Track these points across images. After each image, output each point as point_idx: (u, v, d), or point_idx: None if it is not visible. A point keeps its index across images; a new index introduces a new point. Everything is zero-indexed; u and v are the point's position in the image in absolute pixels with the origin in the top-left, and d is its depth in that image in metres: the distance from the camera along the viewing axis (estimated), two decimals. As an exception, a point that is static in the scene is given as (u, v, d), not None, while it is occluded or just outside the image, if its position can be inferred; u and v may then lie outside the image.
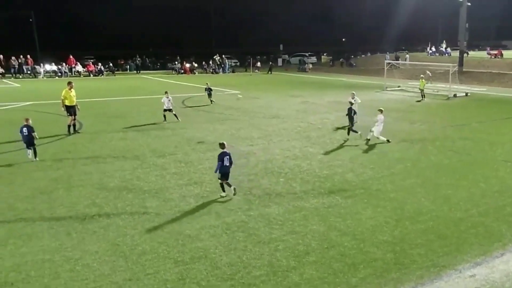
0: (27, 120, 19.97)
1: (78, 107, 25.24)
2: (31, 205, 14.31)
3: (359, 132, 23.60)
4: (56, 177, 17.12)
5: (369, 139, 22.53)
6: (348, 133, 24.08)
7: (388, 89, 48.46)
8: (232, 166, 15.52)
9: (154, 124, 27.58)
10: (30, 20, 65.74)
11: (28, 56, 62.31)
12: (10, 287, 9.73)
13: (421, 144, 22.70)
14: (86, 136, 24.13)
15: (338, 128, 26.36)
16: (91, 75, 63.29)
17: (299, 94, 43.82)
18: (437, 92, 44.89)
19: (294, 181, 16.85)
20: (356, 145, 22.27)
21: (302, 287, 9.77)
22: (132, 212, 13.75)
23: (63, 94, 24.81)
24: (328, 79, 62.48)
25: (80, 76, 62.39)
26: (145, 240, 11.88)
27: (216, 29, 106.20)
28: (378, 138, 22.60)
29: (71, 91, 24.87)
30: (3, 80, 55.90)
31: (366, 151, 21.31)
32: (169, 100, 28.64)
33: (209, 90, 36.43)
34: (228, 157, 15.20)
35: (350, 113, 23.88)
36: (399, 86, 49.45)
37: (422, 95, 40.29)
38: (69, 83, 25.45)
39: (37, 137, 19.90)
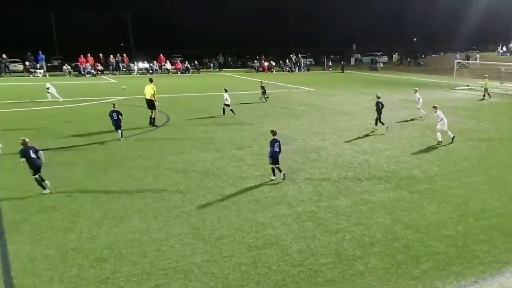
0: (114, 105, 22.31)
1: (156, 102, 25.81)
2: (124, 190, 14.85)
3: (386, 125, 24.32)
4: (146, 165, 17.66)
5: (441, 141, 21.75)
6: (376, 124, 24.65)
7: (457, 88, 46.96)
8: (281, 152, 15.99)
9: (232, 118, 27.88)
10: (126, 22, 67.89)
11: (124, 55, 64.22)
12: (104, 262, 10.17)
13: (488, 142, 21.93)
14: (172, 129, 24.71)
15: (406, 120, 25.88)
16: (178, 72, 64.58)
17: (370, 92, 43.14)
18: (506, 91, 43.13)
19: (362, 175, 16.69)
20: (423, 143, 21.75)
21: (366, 276, 9.72)
22: (212, 200, 14.03)
23: (154, 89, 25.46)
24: (398, 78, 61.17)
25: (168, 73, 63.83)
26: (223, 226, 12.11)
27: (294, 29, 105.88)
28: (447, 132, 21.96)
29: (148, 87, 25.50)
30: (102, 76, 57.98)
31: (433, 148, 20.78)
32: (227, 97, 29.08)
33: (263, 89, 36.19)
34: (278, 143, 15.77)
35: (378, 107, 24.42)
36: (468, 86, 47.78)
37: (486, 94, 38.80)
38: (151, 79, 26.12)
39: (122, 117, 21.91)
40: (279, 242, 11.18)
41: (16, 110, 30.21)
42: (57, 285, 9.31)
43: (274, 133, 16.22)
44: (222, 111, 29.13)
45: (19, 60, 60.15)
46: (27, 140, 14.90)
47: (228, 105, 29.07)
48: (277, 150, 15.82)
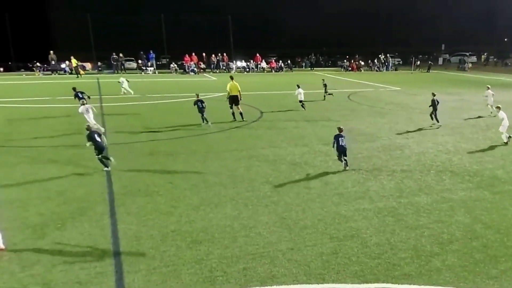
0: (197, 95, 24.36)
1: (241, 98, 26.05)
2: (219, 179, 15.27)
3: (439, 123, 24.57)
4: (240, 157, 18.03)
5: (507, 142, 20.65)
6: (432, 119, 24.88)
7: (546, 89, 44.12)
8: (346, 146, 16.38)
9: (321, 115, 27.77)
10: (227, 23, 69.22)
11: (225, 54, 65.50)
12: (199, 244, 10.56)
13: None
14: (265, 124, 24.99)
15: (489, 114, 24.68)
16: (272, 71, 65.01)
17: (456, 91, 41.46)
18: None
19: (444, 174, 16.16)
20: (510, 143, 20.66)
21: (443, 272, 9.46)
22: (298, 192, 14.13)
23: (228, 86, 25.74)
24: (486, 78, 58.20)
25: (263, 72, 64.43)
26: (307, 217, 12.19)
27: (384, 30, 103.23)
28: (502, 133, 20.87)
29: (232, 84, 25.79)
30: (204, 74, 59.49)
31: (517, 150, 19.75)
32: (300, 93, 29.34)
33: (325, 86, 35.40)
34: (342, 138, 16.22)
35: (434, 104, 24.84)
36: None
37: None
38: (231, 77, 26.43)
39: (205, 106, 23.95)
40: (359, 235, 11.11)
41: (126, 104, 31.65)
42: (158, 262, 9.78)
43: (340, 129, 16.63)
44: (302, 107, 29.27)
45: (133, 58, 62.94)
46: (91, 125, 17.22)
47: (301, 101, 29.26)
48: (343, 144, 16.20)
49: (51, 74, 54.55)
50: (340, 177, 15.57)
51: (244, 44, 72.94)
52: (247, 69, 64.55)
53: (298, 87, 29.70)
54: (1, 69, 58.58)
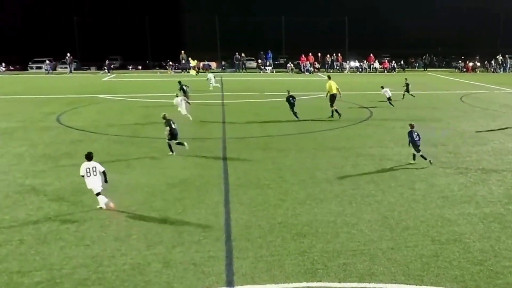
0: (289, 92, 24.96)
1: (341, 95, 25.84)
2: (326, 176, 15.20)
3: None
4: (347, 155, 17.78)
5: None
6: None
7: None
8: (420, 141, 16.21)
9: (431, 115, 26.53)
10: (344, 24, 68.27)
11: (339, 54, 64.69)
12: (303, 237, 10.63)
13: None
14: (375, 123, 24.41)
15: None
16: (385, 71, 63.15)
17: None
18: None
19: (558, 182, 14.81)
20: None
21: (549, 284, 8.73)
22: (402, 192, 13.69)
23: (328, 85, 25.70)
24: None
25: (376, 72, 62.77)
26: (410, 217, 11.79)
27: (503, 30, 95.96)
28: None
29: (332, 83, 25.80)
30: (318, 74, 59.20)
31: None
32: (386, 91, 29.44)
33: (407, 86, 33.21)
34: (416, 134, 16.16)
35: None
36: None
37: None
38: (329, 77, 26.86)
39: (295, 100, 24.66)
40: (462, 240, 10.55)
41: (245, 102, 32.41)
42: (264, 251, 10.00)
43: (412, 126, 16.50)
44: (390, 104, 29.14)
45: (253, 58, 64.21)
46: (167, 114, 18.09)
47: (388, 98, 29.24)
48: (417, 139, 16.12)
49: (181, 72, 57.23)
50: (447, 180, 14.83)
51: (358, 45, 71.43)
52: (360, 69, 63.28)
53: (382, 88, 29.98)
54: (140, 67, 62.50)
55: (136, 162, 16.77)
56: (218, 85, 38.75)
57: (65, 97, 33.53)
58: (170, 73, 57.01)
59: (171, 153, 17.59)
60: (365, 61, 64.77)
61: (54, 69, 58.63)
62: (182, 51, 59.13)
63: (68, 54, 58.08)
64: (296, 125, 23.51)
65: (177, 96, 25.02)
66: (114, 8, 70.11)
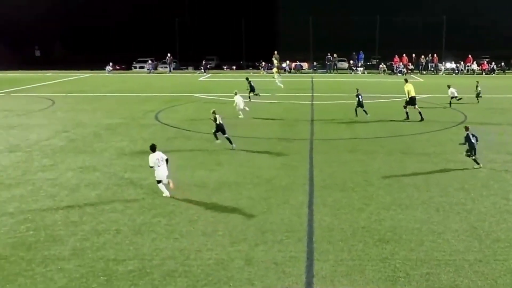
0: (357, 90, 25.29)
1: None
2: (413, 181, 14.67)
3: None
4: (436, 161, 17.04)
5: None
6: None
7: None
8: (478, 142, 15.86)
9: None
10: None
11: (435, 55, 62.00)
12: (385, 243, 10.39)
13: None
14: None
15: None
16: (483, 73, 59.61)
17: None
18: None
19: None
20: None
21: None
22: (495, 202, 12.88)
23: (407, 88, 24.94)
24: None
25: (473, 74, 59.41)
26: (501, 229, 11.11)
27: None
28: None
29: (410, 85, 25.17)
30: (411, 75, 57.13)
31: None
32: (453, 92, 28.90)
33: (478, 91, 30.96)
34: (472, 136, 15.79)
35: None
36: None
37: None
38: (406, 80, 26.08)
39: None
40: (558, 256, 9.78)
41: (335, 103, 32.04)
42: (345, 255, 9.90)
43: (467, 128, 16.26)
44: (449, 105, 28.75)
45: (345, 59, 63.27)
46: (216, 110, 19.28)
47: (454, 98, 28.84)
48: (474, 141, 15.75)
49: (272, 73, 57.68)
50: (543, 191, 13.80)
51: (456, 45, 68.10)
52: (456, 71, 60.26)
53: (449, 87, 29.38)
54: (234, 67, 63.84)
55: (225, 160, 17.22)
56: (281, 85, 39.17)
57: (164, 96, 35.11)
58: (263, 73, 57.69)
59: (217, 140, 19.03)
60: (462, 62, 61.52)
61: (155, 68, 61.48)
62: (275, 52, 59.55)
63: (169, 55, 60.64)
64: (385, 128, 22.94)
65: (236, 94, 25.89)
66: (212, 11, 72.27)
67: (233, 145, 18.71)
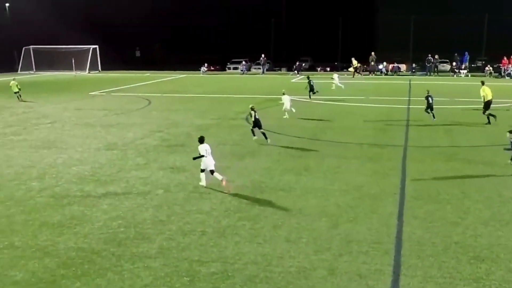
0: (428, 91, 25.23)
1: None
2: (516, 196, 13.79)
3: None
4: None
5: None
6: None
7: None
8: None
9: None
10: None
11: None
12: (480, 262, 9.81)
13: None
14: None
15: None
16: None
17: None
18: None
19: None
20: None
21: None
22: None
23: (484, 91, 24.03)
24: None
25: None
26: None
27: None
28: None
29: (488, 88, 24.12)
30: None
31: None
32: None
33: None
34: None
35: None
36: None
37: None
38: (482, 82, 25.24)
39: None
40: None
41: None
42: (435, 271, 9.49)
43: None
44: None
45: (447, 60, 60.45)
46: (254, 106, 21.11)
47: None
48: None
49: (368, 75, 56.55)
50: None
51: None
52: None
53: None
54: (328, 68, 63.35)
55: (314, 165, 17.16)
56: (342, 86, 38.74)
57: (256, 97, 35.63)
58: (357, 75, 56.71)
59: (254, 137, 20.61)
60: None
61: (249, 69, 62.60)
62: (372, 53, 58.32)
63: (263, 55, 61.53)
64: (487, 136, 21.65)
65: (284, 94, 26.37)
66: (309, 10, 72.22)
67: (268, 140, 20.21)
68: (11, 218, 12.32)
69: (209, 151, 14.57)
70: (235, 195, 14.00)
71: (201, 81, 51.31)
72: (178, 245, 10.74)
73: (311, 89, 32.84)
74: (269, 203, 13.30)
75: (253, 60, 64.95)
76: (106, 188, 14.72)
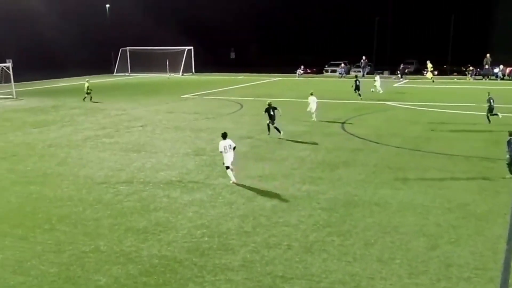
0: (489, 93, 26.20)
1: None
2: None
3: None
4: None
5: None
6: None
7: None
8: None
9: None
10: None
11: None
12: None
13: None
14: None
15: None
16: None
17: None
18: None
19: None
20: None
21: None
22: None
23: None
24: None
25: None
26: None
27: None
28: None
29: None
30: None
31: None
32: None
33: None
34: None
35: None
36: None
37: None
38: None
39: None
40: None
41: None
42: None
43: (511, 133, 16.11)
44: None
45: None
46: (271, 102, 23.59)
47: None
48: None
49: (482, 79, 53.76)
50: None
51: None
52: None
53: None
54: (436, 72, 60.99)
55: (413, 179, 16.68)
56: (381, 90, 39.66)
57: (353, 103, 35.26)
58: (469, 79, 54.15)
59: (269, 133, 23.34)
60: None
61: (348, 72, 61.84)
62: (487, 55, 55.30)
63: (364, 57, 60.56)
64: None
65: (311, 95, 27.79)
66: (418, 8, 70.04)
67: (281, 132, 22.92)
68: (99, 222, 13.15)
69: (232, 146, 16.14)
70: (325, 208, 13.93)
71: (295, 84, 51.60)
72: (262, 258, 10.89)
73: (357, 88, 36.67)
74: (361, 219, 13.11)
75: (352, 62, 64.19)
76: (193, 195, 15.25)
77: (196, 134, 24.71)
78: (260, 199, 14.85)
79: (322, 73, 65.57)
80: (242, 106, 34.55)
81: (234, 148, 16.24)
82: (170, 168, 18.44)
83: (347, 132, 24.80)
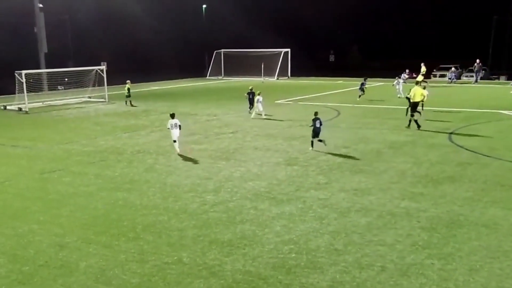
0: None
1: None
2: None
3: None
4: None
5: None
6: None
7: None
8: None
9: None
10: None
11: None
12: None
13: None
14: None
15: None
16: None
17: None
18: None
19: None
20: None
21: None
22: None
23: None
24: None
25: None
26: None
27: None
28: None
29: None
30: None
31: None
32: None
33: None
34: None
35: None
36: None
37: None
38: None
39: None
40: None
41: None
42: None
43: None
44: None
45: None
46: (317, 112, 23.50)
47: None
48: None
49: None
50: None
51: None
52: None
53: None
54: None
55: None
56: (401, 94, 40.92)
57: (463, 111, 33.90)
58: None
59: (311, 148, 22.95)
60: None
61: (458, 77, 59.58)
62: None
63: (478, 61, 57.96)
64: None
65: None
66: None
67: (324, 142, 22.93)
68: (183, 232, 13.52)
69: (178, 124, 22.13)
70: (425, 228, 13.46)
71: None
72: (353, 280, 10.70)
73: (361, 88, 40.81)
74: (466, 241, 12.52)
75: (464, 66, 61.71)
76: (281, 208, 15.30)
77: (288, 142, 24.80)
78: (354, 215, 14.62)
79: (430, 78, 63.51)
80: (339, 113, 34.28)
81: (180, 127, 22.21)
82: (259, 178, 18.63)
83: (455, 144, 23.84)
